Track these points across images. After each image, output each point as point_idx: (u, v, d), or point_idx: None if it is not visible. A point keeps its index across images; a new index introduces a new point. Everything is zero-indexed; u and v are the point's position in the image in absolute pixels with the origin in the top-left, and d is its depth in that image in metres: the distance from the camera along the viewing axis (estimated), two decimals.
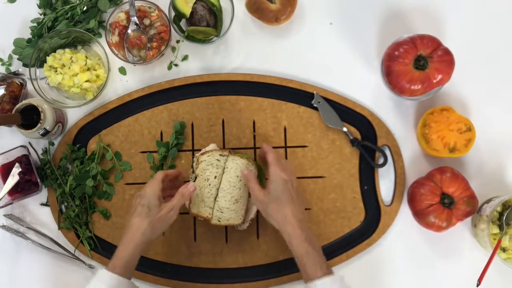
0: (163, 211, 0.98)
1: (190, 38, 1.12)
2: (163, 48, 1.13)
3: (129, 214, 1.00)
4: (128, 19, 1.12)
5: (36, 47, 1.10)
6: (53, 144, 1.17)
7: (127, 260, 0.95)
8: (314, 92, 1.14)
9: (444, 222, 1.02)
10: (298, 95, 1.14)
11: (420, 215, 1.04)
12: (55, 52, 1.13)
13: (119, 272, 0.93)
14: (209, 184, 1.05)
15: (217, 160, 1.05)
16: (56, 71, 1.11)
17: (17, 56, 1.17)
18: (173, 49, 1.17)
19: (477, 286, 0.97)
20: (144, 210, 0.98)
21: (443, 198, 1.03)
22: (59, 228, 1.14)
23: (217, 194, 1.05)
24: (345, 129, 1.13)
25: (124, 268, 0.95)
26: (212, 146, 1.10)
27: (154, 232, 0.98)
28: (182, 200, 1.00)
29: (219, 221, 1.05)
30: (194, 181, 1.07)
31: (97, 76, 1.13)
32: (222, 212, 1.05)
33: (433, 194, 1.02)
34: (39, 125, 1.07)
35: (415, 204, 1.05)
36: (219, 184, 1.06)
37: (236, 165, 1.05)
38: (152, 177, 1.07)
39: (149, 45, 1.13)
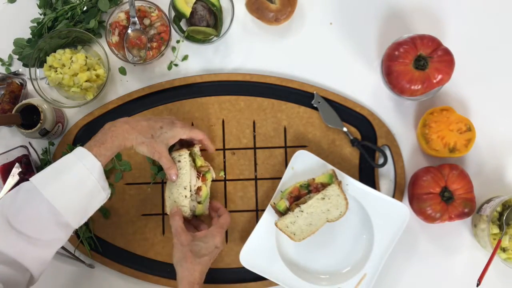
0: (163, 156, 1.00)
1: (190, 38, 1.12)
2: (163, 48, 1.13)
3: (139, 117, 1.02)
4: (128, 19, 1.12)
5: (36, 47, 1.10)
6: (53, 144, 1.17)
7: (111, 154, 0.94)
8: (314, 92, 1.14)
9: (437, 214, 1.02)
10: (298, 95, 1.14)
11: (416, 199, 1.05)
12: (55, 52, 1.13)
13: (102, 162, 0.91)
14: (176, 184, 1.05)
15: (178, 161, 1.05)
16: (56, 71, 1.11)
17: (17, 56, 1.17)
18: (173, 49, 1.17)
19: (477, 286, 0.97)
20: (156, 133, 0.99)
21: (444, 191, 1.03)
22: None
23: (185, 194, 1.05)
24: (345, 129, 1.13)
25: (105, 158, 0.92)
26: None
27: (138, 149, 0.98)
28: (169, 166, 1.01)
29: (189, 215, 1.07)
30: None
31: (97, 76, 1.13)
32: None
33: (436, 184, 1.03)
34: (39, 125, 1.07)
35: (415, 187, 1.05)
36: (184, 182, 1.05)
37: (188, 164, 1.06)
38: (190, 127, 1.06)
39: (149, 45, 1.13)
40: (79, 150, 0.91)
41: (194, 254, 0.99)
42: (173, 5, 1.11)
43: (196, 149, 1.07)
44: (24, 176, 1.11)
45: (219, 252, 1.03)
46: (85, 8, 1.15)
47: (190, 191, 1.05)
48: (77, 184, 0.89)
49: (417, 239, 1.12)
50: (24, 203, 0.86)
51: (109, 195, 0.95)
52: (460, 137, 1.06)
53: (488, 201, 1.09)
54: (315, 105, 1.14)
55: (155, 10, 1.13)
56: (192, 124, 1.15)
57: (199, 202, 1.07)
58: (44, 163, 1.15)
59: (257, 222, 1.09)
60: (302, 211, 1.02)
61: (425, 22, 1.15)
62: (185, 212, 1.05)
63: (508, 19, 1.15)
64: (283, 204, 1.05)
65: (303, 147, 1.13)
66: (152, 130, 0.99)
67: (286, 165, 1.11)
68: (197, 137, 1.05)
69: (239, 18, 1.16)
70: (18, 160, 1.12)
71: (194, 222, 1.08)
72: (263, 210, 1.09)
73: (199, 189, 1.07)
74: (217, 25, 1.13)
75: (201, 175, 1.08)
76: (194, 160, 1.08)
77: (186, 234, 1.01)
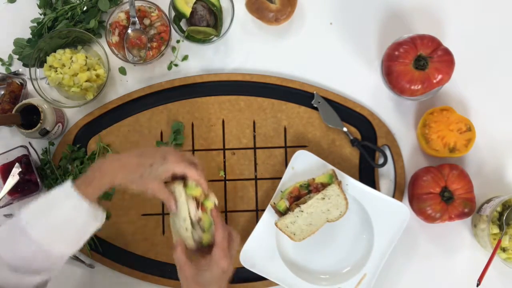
0: (157, 191, 0.93)
1: (190, 38, 1.12)
2: (163, 48, 1.13)
3: (132, 152, 0.94)
4: (128, 19, 1.12)
5: (36, 47, 1.10)
6: (53, 144, 1.17)
7: (99, 192, 0.90)
8: (314, 92, 1.14)
9: (437, 214, 1.02)
10: (298, 95, 1.14)
11: (416, 199, 1.05)
12: (55, 52, 1.13)
13: (90, 200, 0.88)
14: (176, 215, 0.97)
15: (173, 192, 0.96)
16: (56, 71, 1.11)
17: (17, 56, 1.17)
18: (173, 49, 1.17)
19: (477, 286, 0.97)
20: (146, 171, 0.91)
21: (444, 191, 1.03)
22: None
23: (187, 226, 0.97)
24: (345, 129, 1.13)
25: (93, 196, 0.89)
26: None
27: (128, 187, 0.93)
28: (165, 198, 0.94)
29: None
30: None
31: (97, 76, 1.13)
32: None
33: (436, 184, 1.03)
34: (39, 125, 1.07)
35: (415, 187, 1.05)
36: (182, 214, 0.96)
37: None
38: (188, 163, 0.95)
39: (149, 45, 1.13)
40: (66, 188, 0.88)
41: (201, 286, 0.90)
42: (173, 5, 1.11)
43: (190, 181, 0.96)
44: (24, 176, 1.11)
45: (230, 275, 0.93)
46: (85, 8, 1.15)
47: (191, 222, 0.96)
48: (65, 222, 0.87)
49: (417, 239, 1.12)
50: (15, 243, 0.86)
51: (104, 220, 0.92)
52: (460, 137, 1.06)
53: (488, 201, 1.09)
54: (315, 105, 1.14)
55: (155, 10, 1.13)
56: (192, 125, 1.15)
57: (204, 231, 0.98)
58: (44, 163, 1.15)
59: (257, 222, 1.09)
60: (302, 211, 1.02)
61: (425, 22, 1.15)
62: (188, 244, 0.96)
63: (508, 19, 1.15)
64: (283, 204, 1.05)
65: (303, 147, 1.13)
66: (141, 168, 0.92)
67: (286, 165, 1.11)
68: (192, 176, 0.94)
69: (239, 18, 1.16)
70: (18, 160, 1.12)
71: (205, 250, 0.97)
72: (263, 210, 1.09)
73: (200, 219, 0.98)
74: (217, 25, 1.13)
75: (200, 204, 0.97)
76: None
77: (189, 266, 0.91)
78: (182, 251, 0.93)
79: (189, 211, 0.95)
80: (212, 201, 0.98)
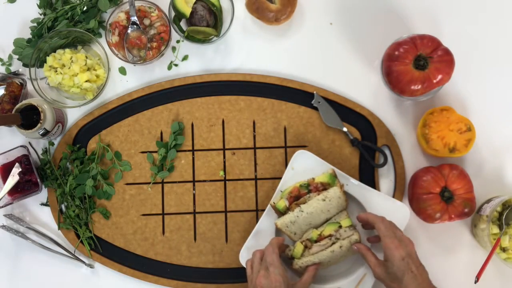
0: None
1: (190, 38, 1.12)
2: (163, 48, 1.13)
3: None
4: (128, 19, 1.12)
5: (36, 47, 1.10)
6: (53, 144, 1.17)
7: None
8: (314, 92, 1.14)
9: (437, 213, 1.02)
10: (298, 95, 1.14)
11: (416, 199, 1.05)
12: (55, 52, 1.13)
13: None
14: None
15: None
16: (56, 71, 1.11)
17: (17, 56, 1.17)
18: (173, 49, 1.17)
19: (475, 282, 0.97)
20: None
21: (444, 191, 1.03)
22: (59, 228, 1.14)
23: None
24: (345, 129, 1.13)
25: None
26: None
27: None
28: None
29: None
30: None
31: (97, 76, 1.13)
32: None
33: (436, 184, 1.03)
34: (39, 125, 1.07)
35: (415, 187, 1.05)
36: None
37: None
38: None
39: (149, 45, 1.13)
40: None
41: (396, 279, 0.93)
42: (173, 5, 1.11)
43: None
44: (24, 176, 1.11)
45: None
46: (85, 8, 1.15)
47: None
48: None
49: (417, 239, 1.12)
50: None
51: None
52: (460, 137, 1.06)
53: (488, 201, 1.09)
54: (315, 105, 1.14)
55: (155, 10, 1.13)
56: (192, 125, 1.15)
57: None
58: (44, 163, 1.15)
59: (257, 222, 1.09)
60: (302, 211, 1.02)
61: (425, 22, 1.15)
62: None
63: (508, 18, 1.15)
64: (283, 203, 1.05)
65: (303, 147, 1.13)
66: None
67: (286, 165, 1.11)
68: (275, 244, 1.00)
69: (239, 18, 1.16)
70: (18, 160, 1.12)
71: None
72: (263, 210, 1.09)
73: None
74: (217, 25, 1.13)
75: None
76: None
77: (379, 266, 0.97)
78: (373, 254, 1.00)
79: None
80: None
